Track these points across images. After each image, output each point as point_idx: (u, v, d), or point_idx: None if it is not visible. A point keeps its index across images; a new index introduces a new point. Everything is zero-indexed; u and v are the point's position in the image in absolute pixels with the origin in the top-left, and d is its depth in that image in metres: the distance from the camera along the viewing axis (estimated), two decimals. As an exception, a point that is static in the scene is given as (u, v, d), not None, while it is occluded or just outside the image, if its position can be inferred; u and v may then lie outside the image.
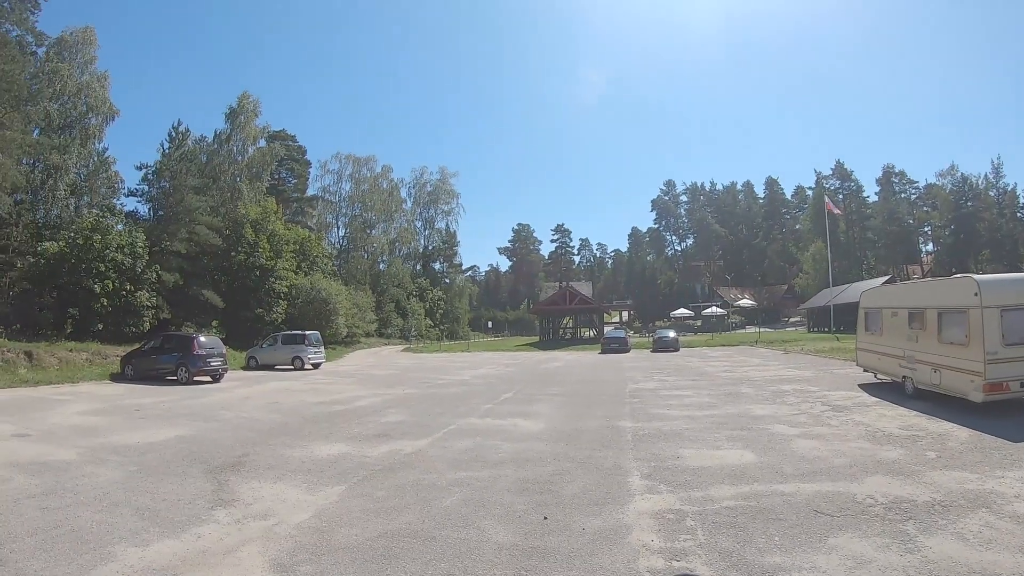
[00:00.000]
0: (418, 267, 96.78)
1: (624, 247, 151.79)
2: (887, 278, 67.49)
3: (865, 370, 21.05)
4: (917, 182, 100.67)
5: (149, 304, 39.96)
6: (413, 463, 10.52)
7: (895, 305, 18.83)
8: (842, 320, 62.58)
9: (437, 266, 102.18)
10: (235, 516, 7.71)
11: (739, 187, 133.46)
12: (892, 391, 17.96)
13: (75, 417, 16.61)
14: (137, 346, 31.53)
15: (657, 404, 17.54)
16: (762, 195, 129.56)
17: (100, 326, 37.10)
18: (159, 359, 28.41)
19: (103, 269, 37.23)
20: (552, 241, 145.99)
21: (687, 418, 14.78)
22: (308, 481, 9.38)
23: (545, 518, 7.48)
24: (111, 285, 37.42)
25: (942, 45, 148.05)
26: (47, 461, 11.00)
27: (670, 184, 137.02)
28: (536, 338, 78.45)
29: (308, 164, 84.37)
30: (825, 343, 43.36)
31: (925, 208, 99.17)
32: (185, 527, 7.29)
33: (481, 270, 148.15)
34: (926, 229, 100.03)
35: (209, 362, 28.01)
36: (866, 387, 19.54)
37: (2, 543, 6.86)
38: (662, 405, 17.29)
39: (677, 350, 48.19)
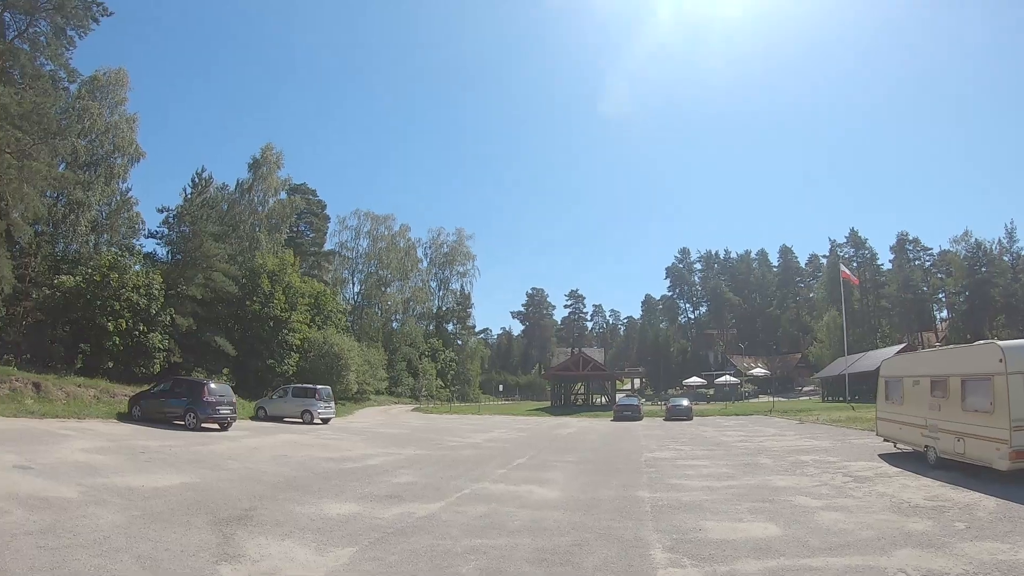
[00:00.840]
0: (431, 327, 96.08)
1: (637, 314, 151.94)
2: (903, 346, 66.59)
3: (885, 440, 20.60)
4: (931, 248, 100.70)
5: (161, 347, 39.66)
6: (426, 527, 10.05)
7: (916, 373, 18.44)
8: (857, 389, 61.31)
9: (450, 327, 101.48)
10: (240, 574, 7.28)
11: (753, 255, 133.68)
12: (914, 461, 17.57)
13: (79, 454, 16.25)
14: (147, 387, 31.21)
15: (674, 474, 17.05)
16: (776, 263, 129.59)
17: (110, 364, 36.75)
18: (168, 402, 28.00)
19: (118, 308, 37.03)
20: (566, 307, 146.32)
21: (706, 489, 14.31)
22: (317, 540, 8.94)
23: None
24: (124, 324, 37.18)
25: (953, 112, 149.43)
26: (48, 497, 10.65)
27: (684, 252, 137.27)
28: (547, 403, 77.85)
29: (327, 219, 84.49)
30: (841, 412, 42.85)
31: (939, 275, 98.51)
32: (188, 583, 6.88)
33: (494, 333, 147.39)
34: (940, 296, 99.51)
35: (218, 410, 27.56)
36: (887, 457, 19.13)
37: None
38: (680, 475, 16.80)
39: (690, 419, 47.76)
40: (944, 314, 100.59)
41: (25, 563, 7.10)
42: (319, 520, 10.29)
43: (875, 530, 9.82)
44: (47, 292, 38.42)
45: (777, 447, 24.27)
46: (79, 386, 31.11)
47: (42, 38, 34.51)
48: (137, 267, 43.05)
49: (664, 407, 57.16)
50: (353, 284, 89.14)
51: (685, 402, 52.14)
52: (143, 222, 49.22)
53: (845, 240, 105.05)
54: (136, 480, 12.98)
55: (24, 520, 9.02)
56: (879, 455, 19.69)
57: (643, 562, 8.25)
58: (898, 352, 53.74)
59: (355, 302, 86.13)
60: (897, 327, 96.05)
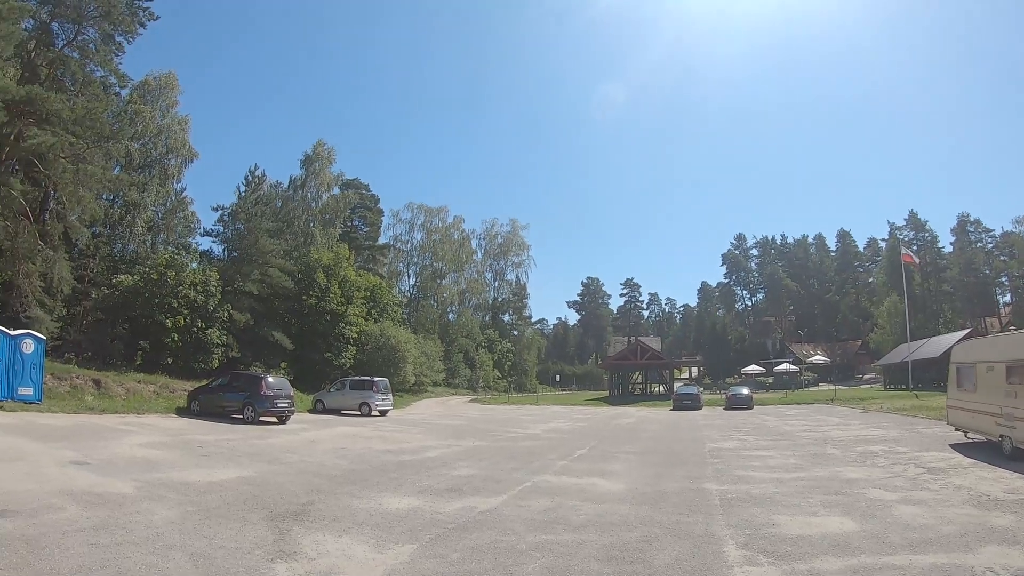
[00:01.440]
0: (487, 318, 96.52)
1: (693, 302, 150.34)
2: (967, 331, 64.34)
3: (957, 429, 19.70)
4: (993, 230, 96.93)
5: (219, 342, 40.14)
6: (489, 522, 9.60)
7: (991, 359, 17.46)
8: (920, 376, 59.88)
9: (506, 318, 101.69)
10: (296, 572, 6.90)
11: (810, 240, 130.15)
12: (988, 451, 16.72)
13: (137, 449, 16.20)
14: (205, 382, 31.45)
15: (741, 465, 16.40)
16: (834, 248, 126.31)
17: (169, 360, 37.35)
18: (226, 396, 28.17)
19: (175, 305, 37.60)
20: (621, 295, 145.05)
21: (775, 481, 13.66)
22: (376, 537, 8.54)
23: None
24: (182, 321, 37.74)
25: (1014, 88, 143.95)
26: (102, 493, 10.48)
27: (740, 238, 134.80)
28: (605, 393, 77.02)
29: (380, 213, 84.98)
30: (904, 401, 41.81)
31: (1002, 257, 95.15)
32: (241, 582, 6.52)
33: (549, 323, 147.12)
34: (1003, 279, 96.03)
35: (276, 403, 27.54)
36: (958, 447, 18.27)
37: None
38: (746, 466, 16.14)
39: (751, 408, 46.94)
40: (1008, 298, 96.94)
41: (75, 561, 6.83)
42: (378, 515, 9.92)
43: (956, 525, 9.25)
44: (106, 291, 39.48)
45: (843, 437, 23.46)
46: (139, 382, 31.61)
47: (91, 45, 35.18)
48: (194, 265, 43.96)
49: (723, 396, 56.43)
50: (408, 277, 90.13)
51: (745, 391, 51.13)
52: (198, 221, 50.31)
53: (905, 222, 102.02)
54: (192, 475, 12.82)
55: (77, 516, 8.83)
56: (950, 445, 18.85)
57: (716, 559, 7.72)
58: (965, 337, 52.36)
59: (411, 294, 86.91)
60: (959, 312, 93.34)
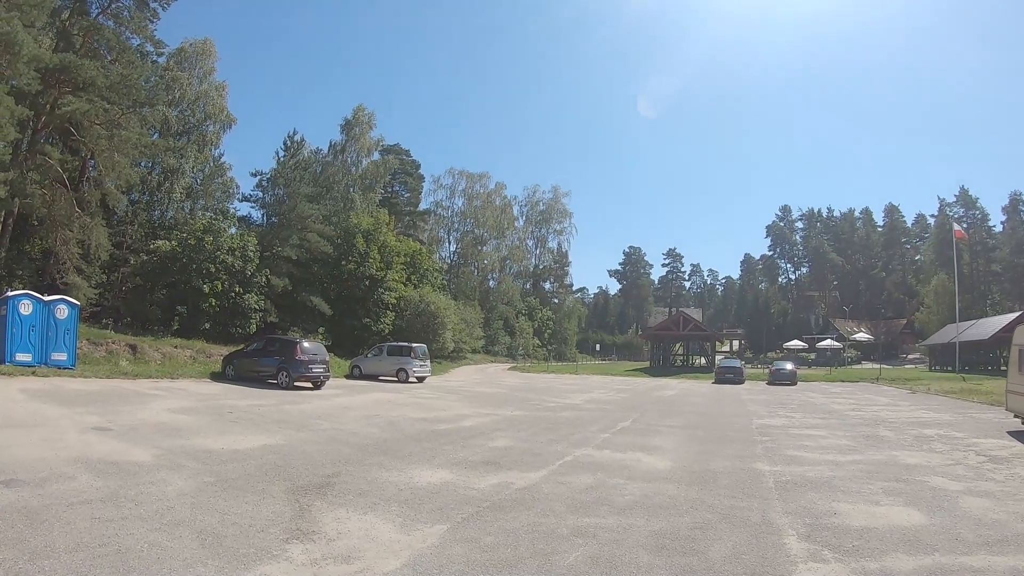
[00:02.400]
0: (528, 286, 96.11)
1: (735, 274, 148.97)
2: (1019, 314, 62.63)
3: (1016, 415, 18.62)
4: None
5: (257, 307, 40.06)
6: (526, 501, 8.85)
7: (1059, 343, 16.49)
8: (968, 359, 58.71)
9: (547, 286, 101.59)
10: (311, 555, 6.18)
11: (857, 214, 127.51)
12: (1051, 440, 15.65)
13: (164, 414, 15.78)
14: (240, 347, 31.26)
15: (791, 444, 15.50)
16: (881, 223, 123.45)
17: (207, 325, 37.33)
18: (260, 361, 27.93)
19: (213, 270, 37.55)
20: (663, 265, 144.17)
21: (830, 464, 12.74)
22: (403, 515, 7.82)
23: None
24: (220, 286, 37.67)
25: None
26: (118, 461, 9.92)
27: (785, 209, 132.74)
28: (645, 363, 76.60)
29: (421, 178, 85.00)
30: (952, 383, 40.49)
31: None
32: (249, 564, 5.82)
33: (590, 292, 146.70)
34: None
35: (311, 368, 27.20)
36: (1018, 435, 17.24)
37: (34, 556, 5.66)
38: (797, 446, 15.24)
39: (794, 383, 46.09)
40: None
41: (73, 538, 6.21)
42: (407, 490, 9.21)
43: (1031, 522, 8.34)
44: (144, 257, 39.32)
45: (895, 418, 22.44)
46: (175, 347, 31.62)
47: (125, 12, 34.94)
48: (232, 230, 43.92)
49: (765, 370, 55.93)
50: (449, 243, 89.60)
51: (789, 366, 50.16)
52: (237, 186, 50.56)
53: (955, 199, 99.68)
54: (217, 442, 12.27)
55: (87, 487, 8.26)
56: (1008, 432, 17.80)
57: (777, 553, 6.88)
58: (1015, 320, 50.86)
59: (451, 261, 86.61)
60: (1008, 294, 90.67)
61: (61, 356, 23.66)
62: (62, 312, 23.91)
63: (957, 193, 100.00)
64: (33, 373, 21.52)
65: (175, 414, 15.90)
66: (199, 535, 6.55)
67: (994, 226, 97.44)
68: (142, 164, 40.77)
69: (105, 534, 6.37)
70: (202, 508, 7.60)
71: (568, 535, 7.26)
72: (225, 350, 32.13)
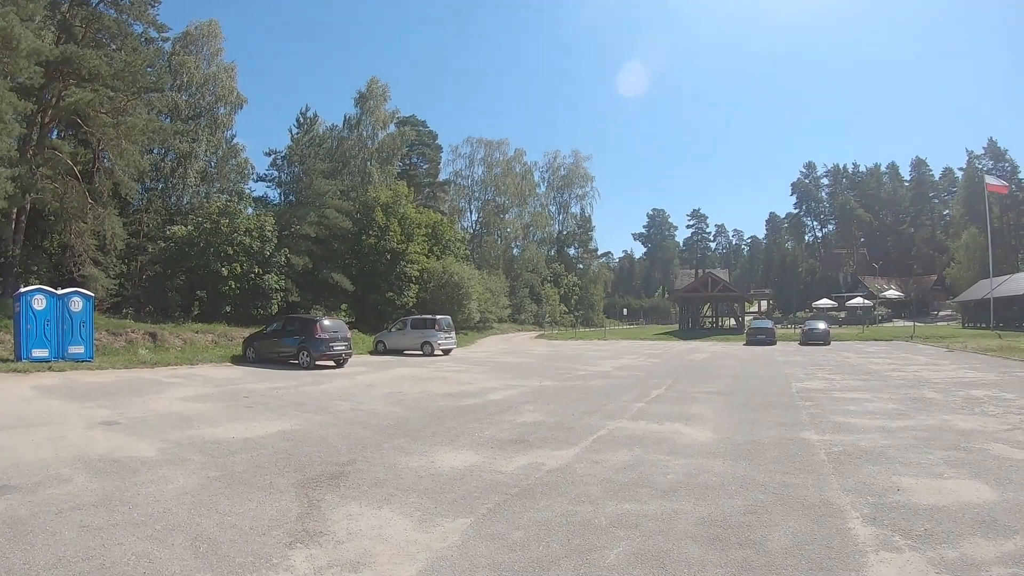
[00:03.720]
0: (552, 252, 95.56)
1: (761, 233, 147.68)
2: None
3: None
4: None
5: (278, 287, 39.82)
6: (558, 485, 8.09)
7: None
8: (1002, 315, 57.71)
9: (572, 251, 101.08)
10: (316, 563, 5.42)
11: (883, 169, 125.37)
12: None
13: (176, 403, 15.15)
14: (260, 328, 30.76)
15: (836, 410, 14.64)
16: (908, 178, 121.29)
17: (228, 308, 37.07)
18: (281, 342, 27.47)
19: (231, 252, 37.28)
20: (688, 227, 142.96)
21: (881, 431, 11.90)
22: (422, 508, 7.07)
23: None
24: (239, 268, 37.41)
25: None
26: (120, 458, 9.25)
27: (810, 166, 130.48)
28: (674, 326, 76.05)
29: (439, 149, 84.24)
30: (989, 341, 39.59)
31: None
32: (244, 576, 5.13)
33: (615, 256, 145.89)
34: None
35: (332, 346, 26.70)
36: None
37: (10, 571, 5.08)
38: (842, 411, 14.38)
39: (828, 344, 45.35)
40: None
41: (56, 551, 5.55)
42: (427, 477, 8.48)
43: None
44: (161, 245, 39.28)
45: (938, 379, 21.45)
46: (196, 332, 31.45)
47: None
48: (249, 211, 43.66)
49: (796, 330, 55.42)
50: (471, 212, 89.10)
51: (822, 325, 49.26)
52: (252, 167, 50.32)
53: (983, 151, 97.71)
54: (228, 431, 11.61)
55: (82, 490, 7.59)
56: None
57: (844, 541, 6.06)
58: None
59: (473, 230, 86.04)
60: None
61: (78, 349, 23.29)
62: (76, 305, 23.52)
63: (985, 145, 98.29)
64: (49, 368, 21.09)
65: (188, 402, 15.31)
66: (193, 542, 5.83)
67: None
68: (154, 151, 40.96)
69: (91, 546, 5.68)
70: (201, 509, 6.90)
71: (607, 526, 6.49)
72: (246, 332, 31.73)
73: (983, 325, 58.22)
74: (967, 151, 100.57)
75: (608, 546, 5.93)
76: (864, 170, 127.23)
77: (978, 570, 5.37)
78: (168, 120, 40.32)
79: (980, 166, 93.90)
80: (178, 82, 43.65)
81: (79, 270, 30.96)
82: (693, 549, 5.87)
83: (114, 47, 33.73)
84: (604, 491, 7.84)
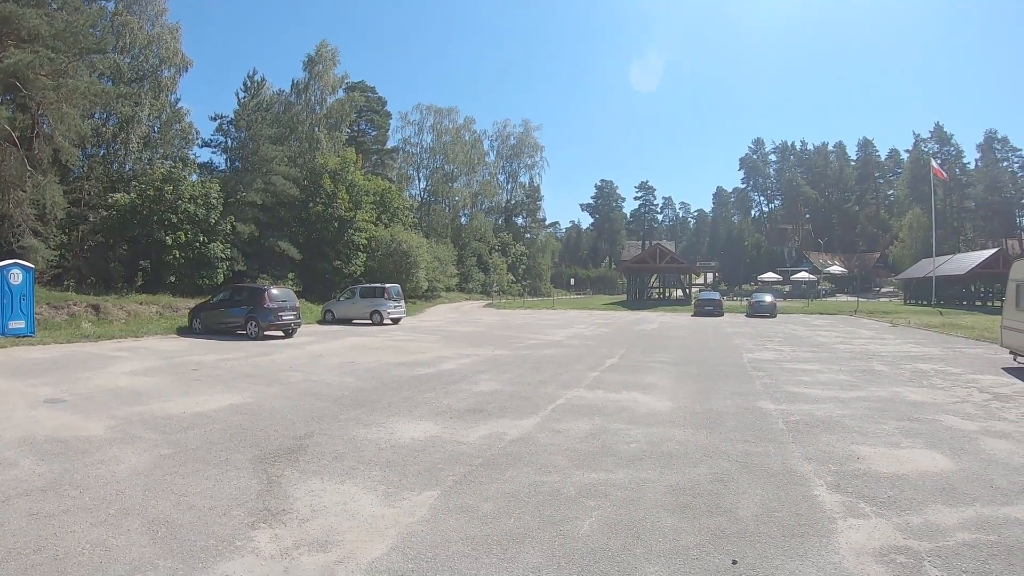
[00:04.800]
0: (500, 221, 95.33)
1: (708, 207, 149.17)
2: (995, 250, 63.38)
3: (1012, 352, 18.07)
4: (1020, 150, 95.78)
5: (223, 256, 39.02)
6: (523, 455, 8.03)
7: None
8: (943, 294, 60.05)
9: (520, 221, 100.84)
10: (282, 543, 5.24)
11: (831, 148, 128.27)
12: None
13: (123, 378, 14.63)
14: (207, 298, 30.09)
15: (789, 380, 14.94)
16: (855, 157, 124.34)
17: (172, 278, 36.24)
18: (228, 312, 26.86)
19: (175, 220, 36.36)
20: (635, 199, 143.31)
21: (835, 401, 12.19)
22: (387, 481, 6.93)
23: (734, 562, 4.96)
24: (184, 237, 36.53)
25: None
26: (67, 439, 8.84)
27: (758, 142, 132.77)
28: (621, 297, 76.68)
29: (388, 116, 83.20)
30: (931, 318, 40.86)
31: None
32: (208, 562, 4.88)
33: (562, 226, 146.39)
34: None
35: (281, 316, 26.23)
36: (1013, 372, 16.78)
37: None
38: (795, 382, 14.68)
39: (774, 316, 46.24)
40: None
41: (3, 543, 5.21)
42: (389, 449, 8.33)
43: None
44: (103, 213, 38.00)
45: (885, 352, 22.05)
46: (140, 304, 30.77)
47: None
48: (194, 177, 42.52)
49: (743, 302, 56.40)
50: (419, 180, 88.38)
51: (769, 298, 50.12)
52: (197, 132, 48.56)
53: (930, 135, 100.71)
54: (178, 405, 11.25)
55: (28, 474, 7.19)
56: (1004, 369, 17.35)
57: (811, 508, 6.21)
58: (992, 256, 51.36)
59: (422, 198, 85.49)
60: (981, 231, 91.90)
61: (19, 324, 22.44)
62: (16, 277, 22.64)
63: (932, 129, 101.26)
64: (-13, 345, 20.20)
65: (135, 376, 14.80)
66: (150, 527, 5.57)
67: (968, 163, 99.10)
68: (96, 115, 39.12)
69: (42, 535, 5.37)
70: (156, 490, 6.61)
71: (576, 496, 6.46)
72: (192, 303, 31.02)
73: (924, 302, 59.93)
74: (914, 134, 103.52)
75: (580, 516, 5.90)
76: (812, 148, 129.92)
77: (944, 535, 5.54)
78: (110, 83, 38.75)
79: (926, 149, 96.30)
80: (121, 43, 41.60)
81: (18, 241, 29.59)
82: (666, 518, 5.89)
83: (55, 6, 32.30)
84: (569, 461, 7.81)
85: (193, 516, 5.85)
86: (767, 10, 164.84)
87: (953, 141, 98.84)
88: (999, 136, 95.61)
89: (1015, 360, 17.81)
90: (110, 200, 37.83)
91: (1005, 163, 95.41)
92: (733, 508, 6.15)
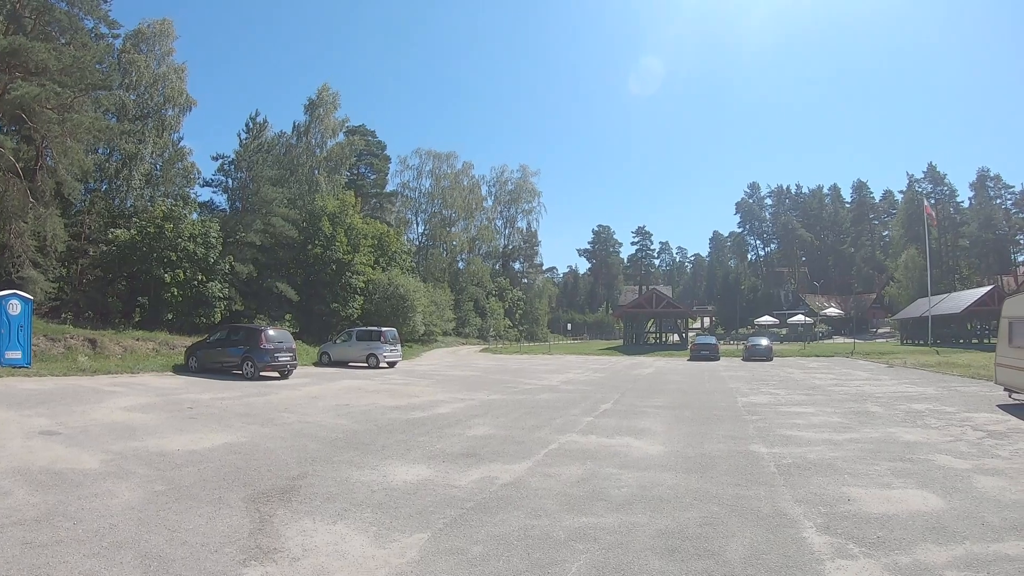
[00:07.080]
0: (498, 266, 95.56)
1: (704, 251, 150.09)
2: (991, 287, 63.68)
3: (1006, 389, 18.17)
4: (1013, 187, 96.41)
5: (221, 295, 39.12)
6: (514, 499, 8.07)
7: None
8: (940, 332, 59.93)
9: (517, 266, 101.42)
10: (273, 581, 5.33)
11: (826, 191, 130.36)
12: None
13: (119, 413, 14.72)
14: (203, 337, 30.14)
15: (783, 423, 14.94)
16: (849, 199, 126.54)
17: (170, 316, 36.33)
18: (224, 351, 26.91)
19: (174, 258, 36.55)
20: (632, 244, 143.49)
21: (828, 443, 12.20)
22: (378, 523, 6.98)
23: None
24: (182, 275, 36.69)
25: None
26: (62, 471, 8.95)
27: (754, 186, 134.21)
28: (618, 342, 76.44)
29: (387, 159, 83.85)
30: (927, 357, 40.70)
31: (1021, 215, 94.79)
32: (199, 598, 4.96)
33: (560, 271, 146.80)
34: (1019, 238, 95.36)
35: (277, 356, 26.26)
36: (1009, 409, 16.86)
37: None
38: (789, 425, 14.70)
39: (770, 360, 45.96)
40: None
41: (-4, 570, 5.29)
42: (381, 491, 8.37)
43: (1051, 502, 7.95)
44: (103, 248, 38.24)
45: (880, 393, 22.10)
46: (137, 339, 30.81)
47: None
48: (194, 216, 42.70)
49: (738, 346, 56.29)
50: (417, 224, 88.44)
51: (765, 342, 50.18)
52: (198, 171, 49.19)
53: (923, 175, 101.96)
54: (173, 442, 11.31)
55: (22, 504, 7.30)
56: (998, 406, 17.41)
57: (799, 549, 6.24)
58: (987, 293, 51.55)
59: (420, 242, 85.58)
60: (976, 268, 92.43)
61: (15, 355, 22.60)
62: (15, 308, 22.85)
63: (925, 169, 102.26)
64: (-16, 374, 20.32)
65: (131, 412, 14.87)
66: (143, 560, 5.65)
67: (962, 202, 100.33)
68: (99, 151, 39.78)
69: (35, 564, 5.46)
70: (149, 524, 6.70)
71: (565, 539, 6.50)
72: (189, 341, 31.15)
73: (921, 342, 59.85)
74: (908, 175, 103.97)
75: (568, 559, 5.93)
76: (807, 191, 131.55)
77: (932, 574, 5.59)
78: (115, 119, 39.40)
79: (920, 189, 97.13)
80: (127, 81, 42.43)
81: (17, 271, 29.84)
82: (653, 561, 5.93)
83: (64, 41, 32.97)
84: (560, 505, 7.84)
85: (185, 552, 5.91)
86: (758, 59, 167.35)
87: (947, 180, 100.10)
88: (992, 174, 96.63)
89: (1010, 397, 17.90)
90: (110, 235, 38.06)
91: (998, 200, 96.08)
92: (721, 551, 6.20)
